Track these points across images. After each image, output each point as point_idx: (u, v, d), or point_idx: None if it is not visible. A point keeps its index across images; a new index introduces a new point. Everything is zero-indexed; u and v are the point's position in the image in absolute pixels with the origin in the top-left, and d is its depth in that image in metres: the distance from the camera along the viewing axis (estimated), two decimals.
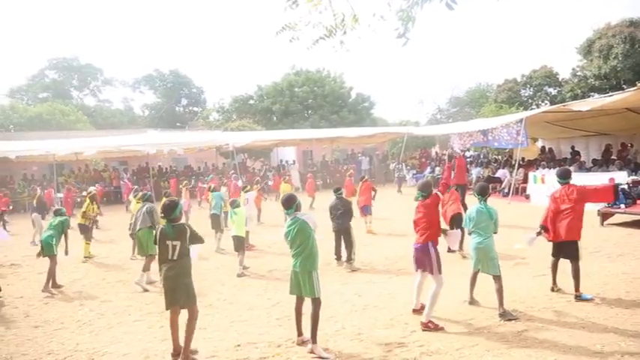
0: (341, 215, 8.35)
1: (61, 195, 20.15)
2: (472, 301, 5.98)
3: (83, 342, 5.48)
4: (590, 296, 5.88)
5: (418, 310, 5.68)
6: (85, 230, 10.24)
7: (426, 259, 5.46)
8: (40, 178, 23.53)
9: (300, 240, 4.85)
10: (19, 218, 16.09)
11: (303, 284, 4.83)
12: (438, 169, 23.69)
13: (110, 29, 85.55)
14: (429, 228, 5.48)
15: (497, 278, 5.54)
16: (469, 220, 5.80)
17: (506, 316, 5.41)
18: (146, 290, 7.44)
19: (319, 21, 4.25)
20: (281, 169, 27.84)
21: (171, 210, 4.85)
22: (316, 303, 4.83)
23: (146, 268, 7.66)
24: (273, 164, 29.53)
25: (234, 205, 8.70)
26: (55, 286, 7.71)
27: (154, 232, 7.55)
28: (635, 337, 4.71)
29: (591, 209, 11.38)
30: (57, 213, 8.23)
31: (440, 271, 5.39)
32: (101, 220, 12.78)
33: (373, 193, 11.81)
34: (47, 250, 7.62)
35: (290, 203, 5.01)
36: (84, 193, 12.91)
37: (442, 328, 5.23)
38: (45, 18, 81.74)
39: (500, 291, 5.50)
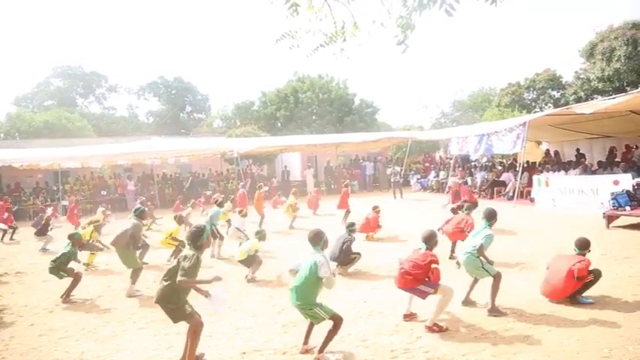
0: (343, 249, 8.18)
1: (65, 203, 20.27)
2: (466, 302, 6.07)
3: (88, 350, 5.47)
4: (590, 301, 5.88)
5: (409, 316, 5.70)
6: (90, 247, 10.21)
7: (417, 294, 5.42)
8: (44, 186, 23.61)
9: (307, 282, 4.74)
10: (24, 226, 16.15)
11: (311, 317, 4.77)
12: (442, 173, 23.67)
13: (115, 37, 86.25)
14: (418, 276, 5.30)
15: (495, 277, 5.74)
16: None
17: (493, 312, 5.64)
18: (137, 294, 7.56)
19: (319, 28, 4.28)
20: (286, 175, 27.82)
21: (196, 237, 4.72)
22: (336, 320, 4.71)
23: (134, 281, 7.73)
24: (277, 170, 29.59)
25: (259, 235, 8.50)
26: (67, 297, 7.58)
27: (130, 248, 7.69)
28: None
29: (597, 212, 11.37)
30: (70, 237, 8.16)
31: (437, 286, 5.29)
32: (105, 227, 12.79)
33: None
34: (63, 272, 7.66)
35: (317, 240, 4.94)
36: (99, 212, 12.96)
37: (446, 329, 5.27)
38: (50, 26, 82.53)
39: (494, 288, 5.71)
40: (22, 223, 17.71)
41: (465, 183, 20.78)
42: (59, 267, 7.66)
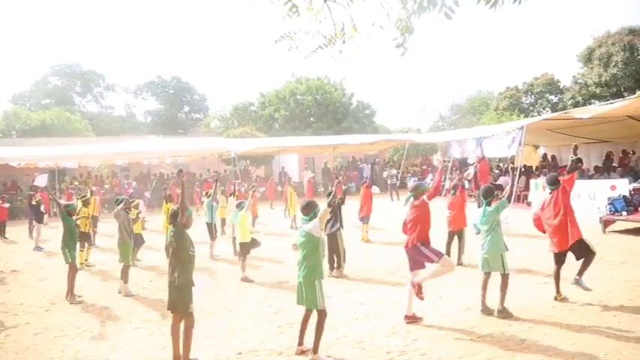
0: (330, 221, 8.15)
1: (61, 202, 20.22)
2: (485, 309, 5.84)
3: (83, 349, 5.46)
4: (589, 287, 6.02)
5: (410, 317, 5.69)
6: (85, 237, 10.19)
7: (420, 258, 5.58)
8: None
9: (306, 250, 4.84)
10: (20, 225, 16.09)
11: (306, 296, 4.79)
12: None
13: (113, 36, 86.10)
14: (416, 228, 5.59)
15: (506, 275, 5.75)
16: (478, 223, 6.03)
17: (503, 313, 5.64)
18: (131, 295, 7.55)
19: (318, 30, 4.29)
20: (283, 176, 27.84)
21: (175, 216, 4.87)
22: (321, 314, 4.77)
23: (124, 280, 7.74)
24: (274, 171, 29.57)
25: (240, 207, 8.70)
26: (71, 295, 7.54)
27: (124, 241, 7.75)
28: (639, 345, 4.68)
29: (593, 217, 11.40)
30: (65, 208, 8.04)
31: (442, 255, 5.57)
32: (102, 226, 12.76)
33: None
34: (64, 258, 7.63)
35: (308, 210, 4.99)
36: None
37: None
38: (48, 24, 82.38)
39: (504, 288, 5.72)
40: (19, 221, 17.66)
41: (463, 186, 20.92)
42: (66, 244, 7.58)
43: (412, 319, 5.67)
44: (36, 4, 76.68)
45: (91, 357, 5.24)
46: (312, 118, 38.10)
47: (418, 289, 5.48)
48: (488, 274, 5.88)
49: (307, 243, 4.85)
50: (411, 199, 5.82)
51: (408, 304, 5.73)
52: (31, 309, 7.17)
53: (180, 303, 4.73)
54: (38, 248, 12.25)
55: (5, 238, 14.52)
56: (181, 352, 4.70)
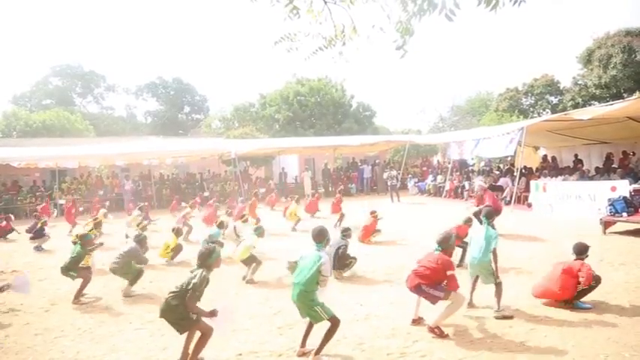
0: (338, 253, 8.12)
1: (62, 202, 20.23)
2: (470, 305, 6.09)
3: (84, 350, 5.45)
4: (588, 306, 5.91)
5: (417, 321, 5.66)
6: (97, 247, 10.14)
7: (426, 297, 5.32)
8: (41, 185, 23.55)
9: (310, 271, 4.73)
10: (20, 224, 16.08)
11: (311, 316, 4.76)
12: (440, 177, 23.74)
13: (114, 37, 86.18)
14: (424, 279, 5.27)
15: (499, 284, 5.80)
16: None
17: (500, 313, 5.71)
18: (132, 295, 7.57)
19: (319, 32, 4.29)
20: (283, 177, 27.88)
21: (205, 257, 4.75)
22: (333, 322, 4.69)
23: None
24: (275, 172, 29.59)
25: (257, 232, 8.62)
26: (78, 297, 7.47)
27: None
28: (639, 347, 4.68)
29: (594, 218, 11.41)
30: (81, 238, 7.97)
31: (450, 291, 5.20)
32: (102, 227, 12.76)
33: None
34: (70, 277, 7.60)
35: (321, 238, 4.97)
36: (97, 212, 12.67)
37: (447, 336, 5.23)
38: (49, 25, 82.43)
39: (498, 294, 5.79)
40: (19, 222, 17.64)
41: (462, 187, 20.94)
42: (69, 267, 7.54)
43: (418, 322, 5.64)
44: (37, 5, 76.75)
45: (91, 358, 5.24)
46: (313, 119, 38.14)
47: (439, 332, 5.24)
48: (477, 277, 6.14)
49: (315, 272, 4.70)
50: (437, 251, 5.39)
51: (416, 308, 5.72)
52: (31, 309, 7.16)
53: (181, 325, 4.66)
54: (38, 248, 12.24)
55: (6, 238, 14.52)
56: (190, 353, 4.71)
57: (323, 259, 4.76)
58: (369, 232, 11.02)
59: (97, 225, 11.54)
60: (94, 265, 8.33)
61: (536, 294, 6.17)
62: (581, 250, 6.08)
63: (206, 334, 4.66)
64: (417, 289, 5.31)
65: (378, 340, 5.27)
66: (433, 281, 5.19)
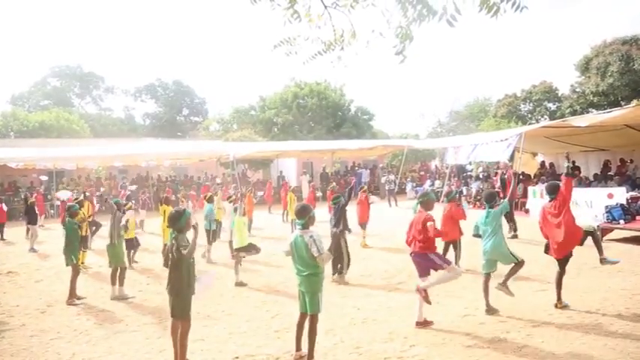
0: (333, 221, 8.31)
1: (57, 202, 20.16)
2: (490, 310, 6.02)
3: (80, 352, 5.43)
4: (616, 259, 6.38)
5: (422, 323, 5.66)
6: (82, 240, 10.10)
7: (429, 264, 5.60)
8: (38, 185, 23.48)
9: (304, 259, 4.69)
10: (17, 226, 16.04)
11: (308, 303, 4.74)
12: (437, 182, 23.77)
13: (113, 38, 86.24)
14: (425, 242, 5.58)
15: (519, 263, 5.96)
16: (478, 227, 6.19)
17: (503, 287, 5.97)
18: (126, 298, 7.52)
19: (318, 36, 4.30)
20: (281, 180, 27.86)
21: (175, 220, 4.77)
22: (313, 319, 4.71)
23: (113, 282, 7.67)
24: (273, 175, 29.58)
25: (235, 211, 8.72)
26: (74, 296, 7.49)
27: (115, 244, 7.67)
28: (636, 354, 4.68)
29: (590, 225, 11.41)
30: (67, 210, 8.00)
31: (449, 262, 5.64)
32: (102, 228, 12.70)
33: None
34: (65, 260, 7.55)
35: (303, 214, 4.81)
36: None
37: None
38: (48, 25, 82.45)
39: (514, 271, 6.00)
40: (16, 223, 17.59)
41: (460, 193, 20.95)
42: (69, 247, 7.50)
43: (423, 325, 5.65)
44: (36, 6, 76.80)
45: (88, 359, 5.21)
46: (311, 123, 38.19)
47: (425, 294, 5.52)
48: (488, 276, 6.02)
49: (309, 256, 4.65)
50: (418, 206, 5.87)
51: (419, 310, 5.71)
52: (27, 311, 7.14)
53: (176, 308, 4.69)
54: (33, 250, 12.19)
55: (3, 239, 14.46)
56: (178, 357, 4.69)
57: (307, 240, 4.63)
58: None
59: (81, 203, 10.62)
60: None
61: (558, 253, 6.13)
62: (554, 189, 6.20)
63: (187, 331, 4.70)
64: (421, 255, 5.59)
65: (376, 344, 5.26)
66: (430, 244, 5.55)
